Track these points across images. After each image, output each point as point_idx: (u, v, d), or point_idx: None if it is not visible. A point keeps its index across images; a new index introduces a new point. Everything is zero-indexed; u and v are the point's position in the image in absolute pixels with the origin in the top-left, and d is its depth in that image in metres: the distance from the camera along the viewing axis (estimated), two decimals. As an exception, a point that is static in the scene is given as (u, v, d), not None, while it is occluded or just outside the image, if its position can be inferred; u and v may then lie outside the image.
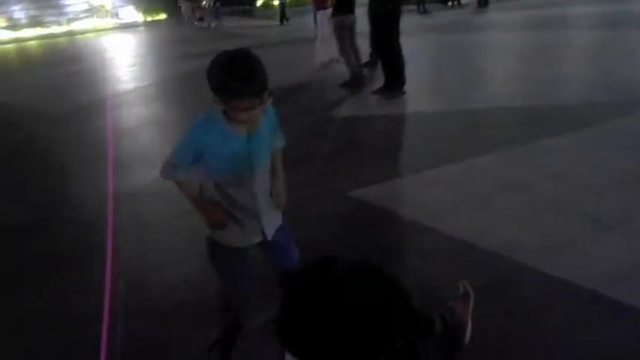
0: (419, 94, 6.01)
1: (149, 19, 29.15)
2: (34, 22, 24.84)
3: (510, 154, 3.77)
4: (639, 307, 2.03)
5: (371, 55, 7.55)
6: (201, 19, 21.55)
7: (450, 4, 18.47)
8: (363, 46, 7.15)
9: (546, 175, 3.35)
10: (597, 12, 11.97)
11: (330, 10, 7.54)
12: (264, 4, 31.81)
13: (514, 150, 3.84)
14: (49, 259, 2.94)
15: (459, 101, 5.49)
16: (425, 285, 2.30)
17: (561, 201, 2.98)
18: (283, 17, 18.79)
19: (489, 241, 2.60)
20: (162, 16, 29.93)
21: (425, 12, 16.75)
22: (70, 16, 25.38)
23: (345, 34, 6.77)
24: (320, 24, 8.28)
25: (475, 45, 9.68)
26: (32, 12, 25.03)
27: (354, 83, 6.69)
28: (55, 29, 24.91)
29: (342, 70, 7.04)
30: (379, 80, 6.21)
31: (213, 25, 20.52)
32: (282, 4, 19.32)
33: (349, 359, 0.84)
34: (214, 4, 21.74)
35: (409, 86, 5.90)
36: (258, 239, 1.80)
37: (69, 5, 26.29)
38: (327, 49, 8.20)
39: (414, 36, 10.89)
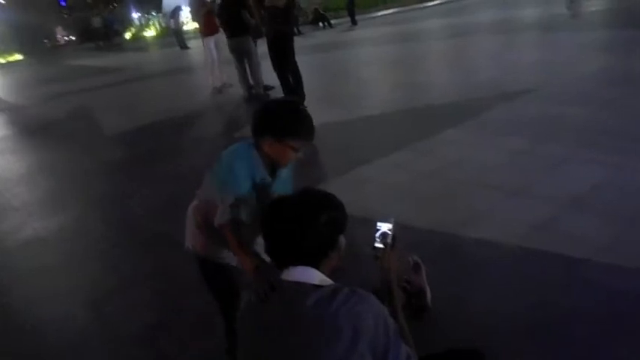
0: (317, 107, 6.33)
1: (2, 60, 26.56)
2: None
3: (415, 149, 4.22)
4: (552, 250, 2.47)
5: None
6: None
7: (321, 25, 19.53)
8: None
9: (450, 162, 3.84)
10: (449, 24, 13.59)
11: (216, 36, 7.79)
12: (133, 37, 30.70)
13: (417, 145, 4.30)
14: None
15: (356, 109, 5.94)
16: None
17: (467, 181, 3.45)
18: (182, 44, 18.03)
19: (420, 221, 2.94)
20: (18, 57, 27.46)
21: (300, 33, 17.51)
22: None
23: (235, 56, 7.02)
24: (207, 49, 8.35)
25: (354, 59, 10.46)
26: None
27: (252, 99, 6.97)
28: None
29: (238, 93, 7.22)
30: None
31: None
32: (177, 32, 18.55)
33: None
34: None
35: (308, 101, 6.24)
36: None
37: None
38: (218, 73, 8.30)
39: (297, 56, 11.37)
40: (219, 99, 7.97)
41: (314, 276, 1.24)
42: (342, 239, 1.34)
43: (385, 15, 20.28)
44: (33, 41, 26.63)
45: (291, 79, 6.13)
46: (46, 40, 35.68)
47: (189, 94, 8.98)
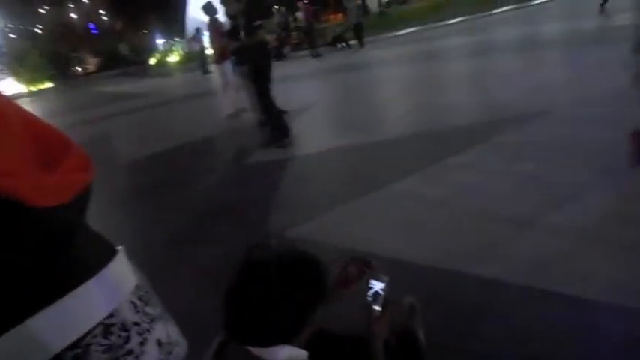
0: (328, 132, 6.32)
1: (34, 88, 27.56)
2: None
3: (423, 176, 4.10)
4: (567, 292, 2.30)
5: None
6: None
7: (339, 46, 19.66)
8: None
9: (458, 190, 3.69)
10: (468, 42, 13.44)
11: (228, 61, 7.84)
12: (158, 62, 31.50)
13: (425, 171, 4.17)
14: None
15: (367, 134, 5.85)
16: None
17: (474, 211, 3.30)
18: (204, 69, 18.32)
19: (424, 257, 2.81)
20: (49, 84, 28.46)
21: (318, 56, 17.65)
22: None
23: (246, 83, 7.01)
24: (222, 75, 8.49)
25: (369, 81, 10.41)
26: None
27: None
28: None
29: (252, 119, 7.22)
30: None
31: None
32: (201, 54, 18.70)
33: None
34: None
35: (321, 125, 6.21)
36: None
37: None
38: (232, 99, 8.35)
39: (313, 79, 11.41)
40: (233, 124, 8.00)
41: (282, 353, 1.09)
42: (319, 312, 1.18)
43: (405, 34, 20.25)
44: (64, 69, 27.52)
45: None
46: (77, 68, 37.03)
47: (205, 119, 9.09)
